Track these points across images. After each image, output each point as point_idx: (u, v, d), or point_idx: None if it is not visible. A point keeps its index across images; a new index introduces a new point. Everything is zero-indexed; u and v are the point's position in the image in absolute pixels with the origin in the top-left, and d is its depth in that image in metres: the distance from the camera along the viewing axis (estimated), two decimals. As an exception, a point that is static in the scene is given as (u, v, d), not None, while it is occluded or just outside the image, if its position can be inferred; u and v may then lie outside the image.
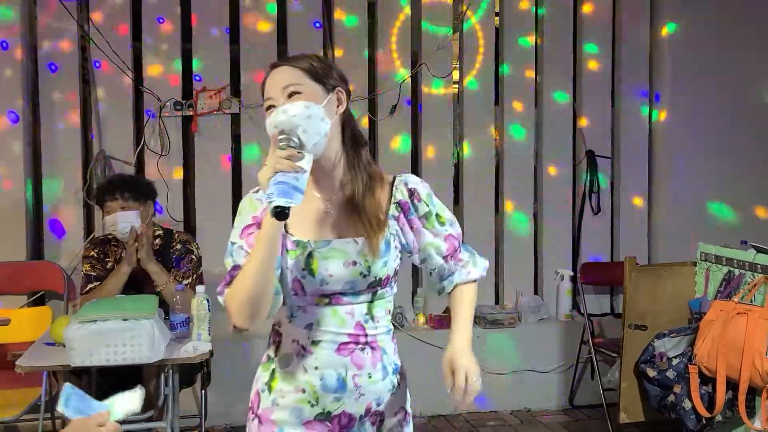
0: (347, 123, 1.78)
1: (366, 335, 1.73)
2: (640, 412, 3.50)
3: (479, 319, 4.43)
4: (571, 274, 4.57)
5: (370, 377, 1.74)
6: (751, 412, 3.09)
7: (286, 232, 1.71)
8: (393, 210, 1.79)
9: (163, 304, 3.11)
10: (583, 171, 4.67)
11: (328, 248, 1.70)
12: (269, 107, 1.69)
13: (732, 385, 3.11)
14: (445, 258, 1.84)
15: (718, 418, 3.17)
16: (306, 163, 1.58)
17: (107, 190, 3.37)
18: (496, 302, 4.66)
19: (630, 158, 4.71)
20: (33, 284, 3.92)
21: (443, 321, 4.38)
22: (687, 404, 3.20)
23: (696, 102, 4.59)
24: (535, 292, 4.69)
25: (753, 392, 3.08)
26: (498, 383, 4.41)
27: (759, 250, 3.21)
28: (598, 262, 4.60)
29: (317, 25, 4.31)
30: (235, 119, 4.28)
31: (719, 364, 3.09)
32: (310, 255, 1.70)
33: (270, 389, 1.75)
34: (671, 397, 3.25)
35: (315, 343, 1.71)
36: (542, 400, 4.50)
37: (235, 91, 4.23)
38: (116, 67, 4.02)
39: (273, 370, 1.76)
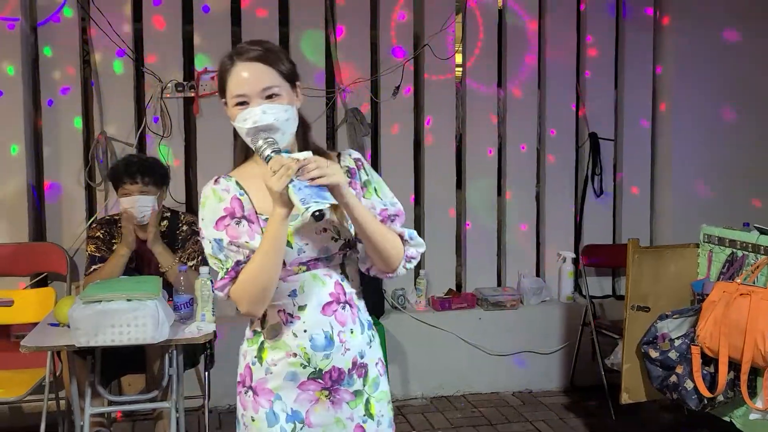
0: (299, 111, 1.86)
1: (345, 293, 1.86)
2: (641, 393, 3.51)
3: (481, 301, 4.44)
4: (573, 256, 4.58)
5: (351, 332, 1.86)
6: (753, 393, 3.10)
7: (257, 212, 1.78)
8: (346, 176, 1.84)
9: (167, 285, 3.11)
10: (586, 153, 4.66)
11: (297, 220, 1.76)
12: (241, 103, 1.75)
13: (734, 366, 3.11)
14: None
15: (720, 398, 3.19)
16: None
17: (127, 173, 3.35)
18: (499, 284, 4.66)
19: (633, 141, 4.70)
20: (35, 266, 3.92)
21: (445, 303, 4.39)
22: (689, 384, 3.21)
23: (700, 87, 4.58)
24: (537, 274, 4.70)
25: (755, 372, 3.08)
26: (500, 365, 4.43)
27: (762, 232, 3.21)
28: (600, 245, 4.60)
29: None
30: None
31: (721, 345, 3.09)
32: None
33: (261, 360, 1.84)
34: (673, 378, 3.26)
35: (301, 308, 1.81)
36: (544, 382, 4.52)
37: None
38: (117, 48, 4.00)
39: (262, 343, 1.85)
